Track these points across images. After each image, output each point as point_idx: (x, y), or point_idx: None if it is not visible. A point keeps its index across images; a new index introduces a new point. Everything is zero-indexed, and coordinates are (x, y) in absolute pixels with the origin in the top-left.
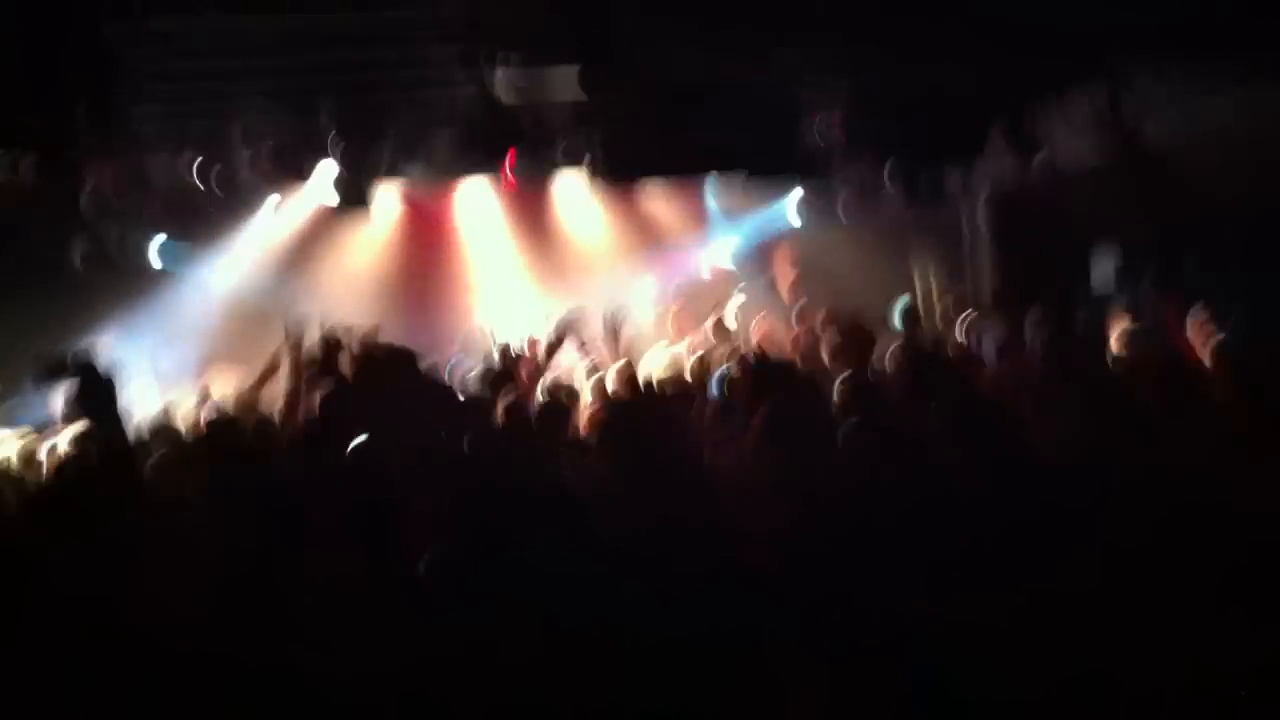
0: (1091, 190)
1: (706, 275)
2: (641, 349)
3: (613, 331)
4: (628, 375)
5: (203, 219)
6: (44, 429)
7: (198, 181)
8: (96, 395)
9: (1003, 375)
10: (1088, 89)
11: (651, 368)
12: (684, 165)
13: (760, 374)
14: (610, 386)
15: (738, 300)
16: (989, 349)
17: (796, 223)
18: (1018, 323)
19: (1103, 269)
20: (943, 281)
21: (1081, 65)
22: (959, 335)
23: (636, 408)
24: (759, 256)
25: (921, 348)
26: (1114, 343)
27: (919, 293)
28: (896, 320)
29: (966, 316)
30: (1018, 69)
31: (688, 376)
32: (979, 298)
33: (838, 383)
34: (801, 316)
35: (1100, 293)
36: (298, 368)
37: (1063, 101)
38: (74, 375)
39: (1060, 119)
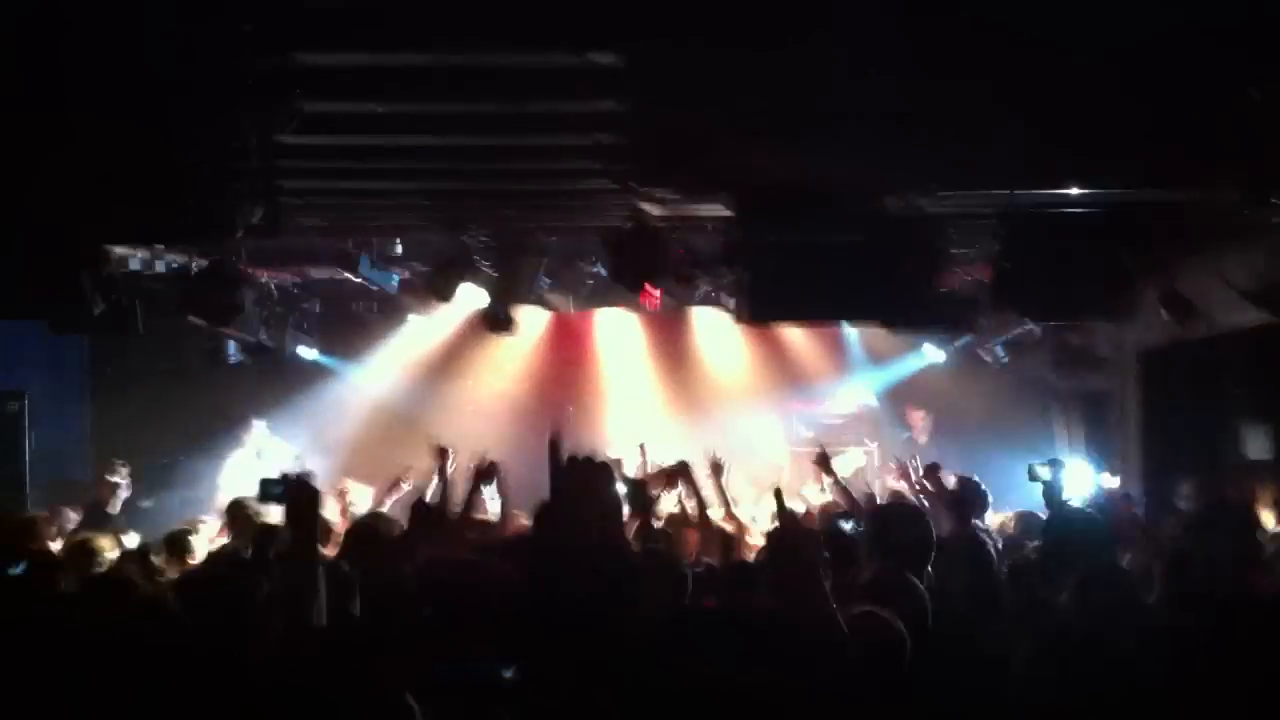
0: (1248, 354)
1: (841, 418)
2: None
3: (715, 471)
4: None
5: (356, 329)
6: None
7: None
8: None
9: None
10: (1245, 249)
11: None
12: (824, 313)
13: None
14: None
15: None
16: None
17: (941, 370)
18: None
19: (1255, 438)
20: (1089, 440)
21: (1239, 224)
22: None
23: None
24: (900, 401)
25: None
26: (1265, 515)
27: (1063, 448)
28: (1042, 475)
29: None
30: (1173, 227)
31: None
32: (1127, 462)
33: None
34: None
35: (1254, 461)
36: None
37: (1219, 261)
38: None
39: (1217, 280)
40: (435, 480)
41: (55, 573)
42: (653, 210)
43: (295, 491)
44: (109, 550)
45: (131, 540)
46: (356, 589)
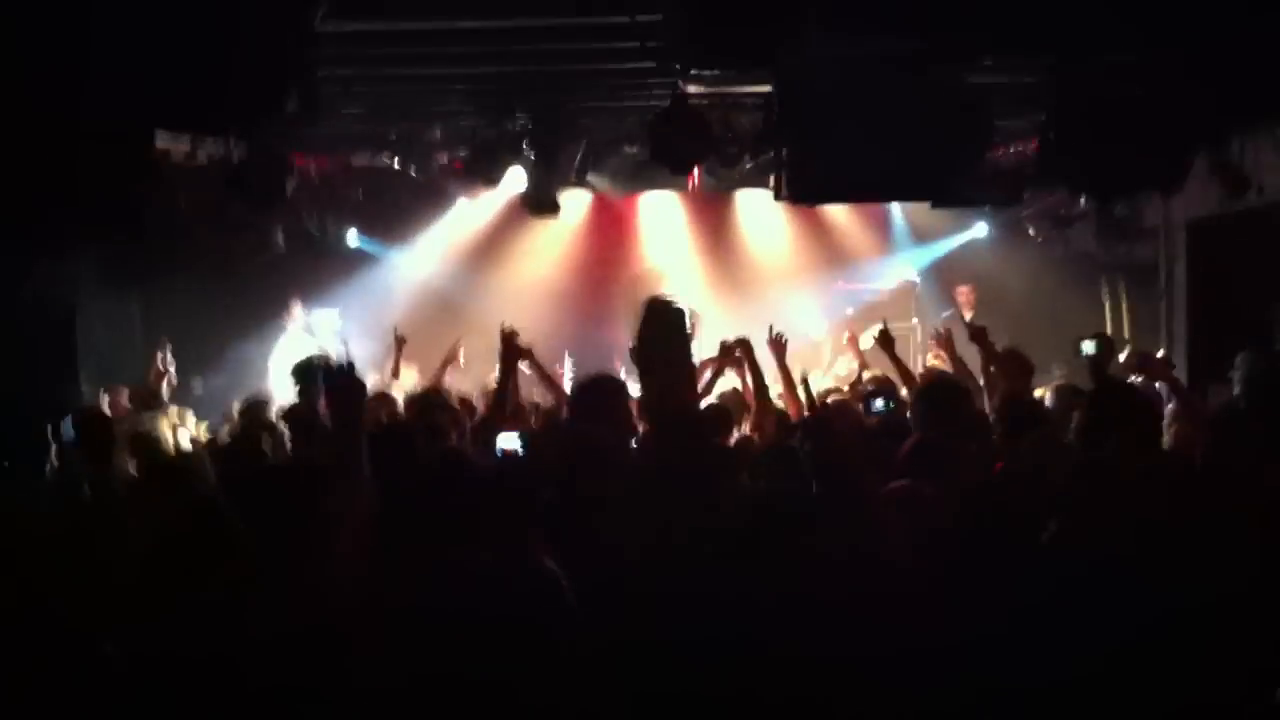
0: None
1: (888, 290)
2: (806, 367)
3: (778, 350)
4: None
5: (398, 213)
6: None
7: (399, 169)
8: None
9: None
10: None
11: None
12: (869, 192)
13: (924, 393)
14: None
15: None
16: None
17: (984, 244)
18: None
19: None
20: (1135, 318)
21: None
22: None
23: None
24: (942, 274)
25: (1108, 384)
26: None
27: (1109, 328)
28: (1088, 350)
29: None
30: (1226, 96)
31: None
32: (1173, 335)
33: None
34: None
35: None
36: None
37: (1272, 131)
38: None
39: (1270, 148)
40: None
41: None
42: (693, 90)
43: (336, 379)
44: (167, 433)
45: (190, 419)
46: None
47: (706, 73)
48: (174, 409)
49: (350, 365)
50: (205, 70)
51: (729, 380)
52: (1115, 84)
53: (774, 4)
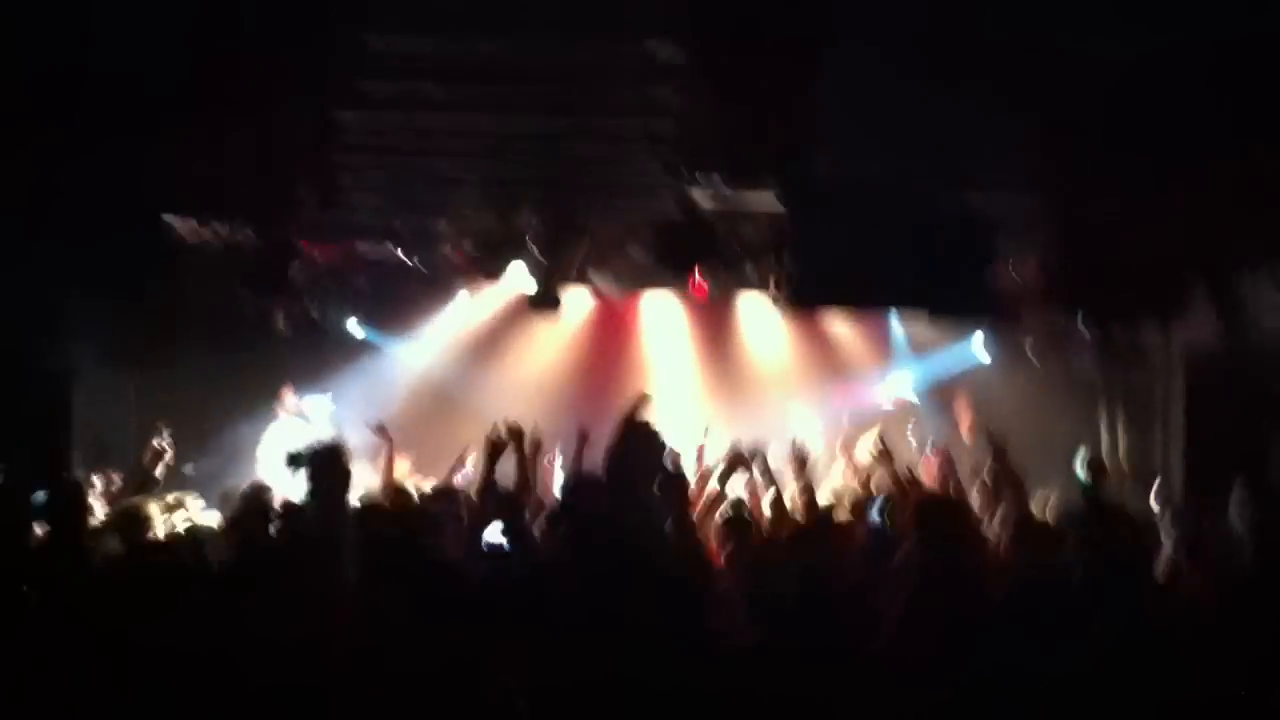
0: None
1: (885, 406)
2: (820, 479)
3: (799, 461)
4: (808, 500)
5: (400, 303)
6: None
7: (404, 260)
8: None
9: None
10: None
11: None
12: (869, 299)
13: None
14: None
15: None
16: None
17: (982, 361)
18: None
19: None
20: (1131, 442)
21: None
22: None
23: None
24: (941, 393)
25: (1103, 505)
26: None
27: (1105, 449)
28: (1079, 471)
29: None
30: (1229, 232)
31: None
32: (1168, 464)
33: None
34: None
35: None
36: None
37: (1274, 266)
38: (313, 463)
39: (1270, 284)
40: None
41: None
42: (703, 202)
43: (320, 461)
44: (159, 515)
45: (194, 503)
46: None
47: (717, 186)
48: (173, 494)
49: (336, 445)
50: (224, 159)
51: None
52: (1119, 215)
53: (784, 123)
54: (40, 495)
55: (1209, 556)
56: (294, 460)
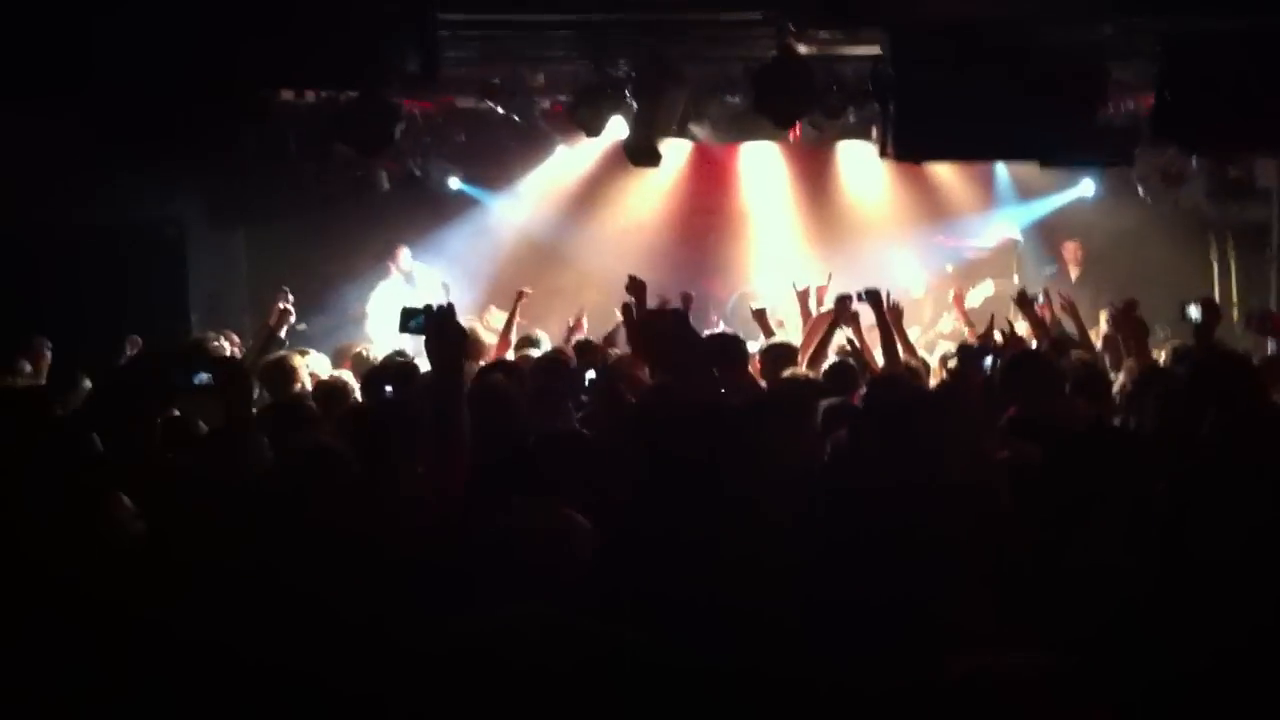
0: None
1: (990, 247)
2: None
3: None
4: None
5: (500, 157)
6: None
7: (502, 114)
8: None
9: None
10: None
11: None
12: (975, 152)
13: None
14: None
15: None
16: None
17: (1091, 203)
18: None
19: None
20: (1245, 280)
21: None
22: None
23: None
24: (1047, 233)
25: (1216, 348)
26: None
27: (1217, 290)
28: (1193, 315)
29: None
30: None
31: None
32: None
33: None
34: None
35: None
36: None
37: None
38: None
39: None
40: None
41: (247, 380)
42: (802, 48)
43: (437, 323)
44: (303, 368)
45: (318, 361)
46: None
47: (819, 34)
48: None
49: (450, 310)
50: (325, 30)
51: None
52: (1230, 45)
53: None
54: (204, 376)
55: None
56: (407, 321)
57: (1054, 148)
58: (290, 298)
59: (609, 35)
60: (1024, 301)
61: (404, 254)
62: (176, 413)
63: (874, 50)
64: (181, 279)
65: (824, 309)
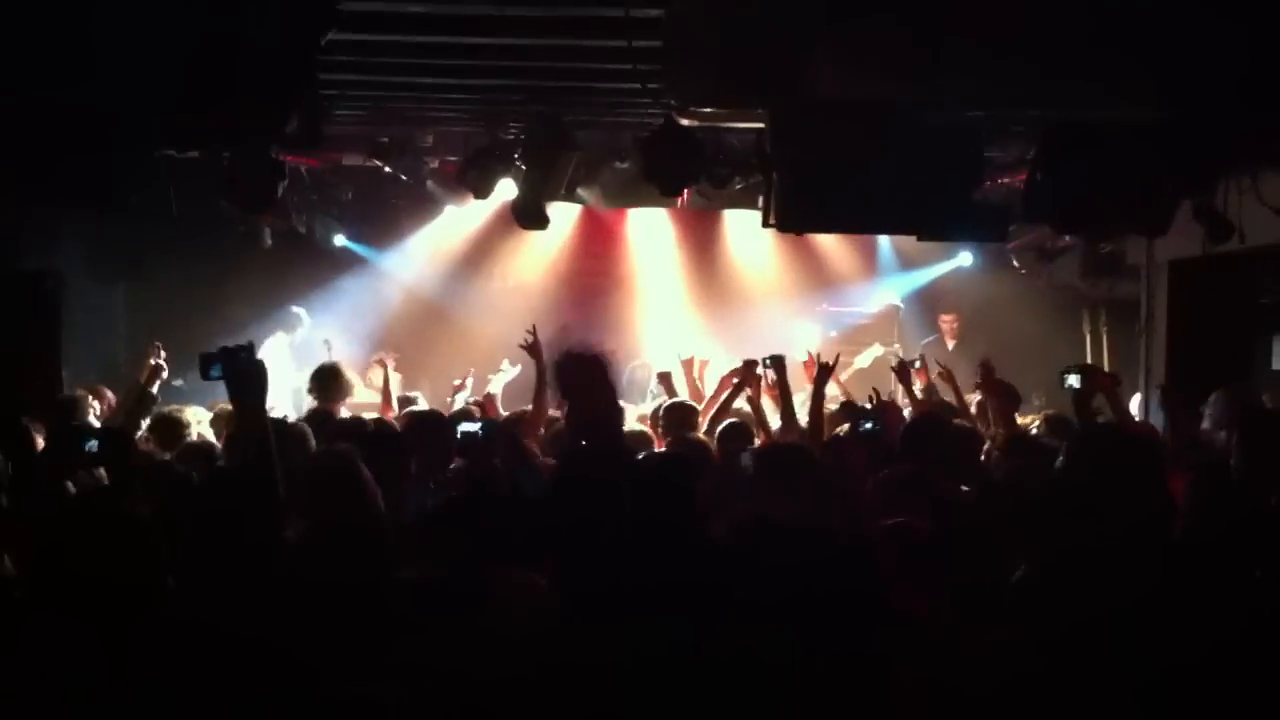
0: (1276, 269)
1: (873, 313)
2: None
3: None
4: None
5: (387, 216)
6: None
7: (390, 173)
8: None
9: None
10: None
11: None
12: (856, 223)
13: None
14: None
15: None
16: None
17: (969, 274)
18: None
19: None
20: (1115, 350)
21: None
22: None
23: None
24: (929, 306)
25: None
26: None
27: (1089, 357)
28: (1071, 383)
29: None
30: (1210, 142)
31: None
32: (1151, 370)
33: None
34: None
35: None
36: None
37: (1255, 179)
38: (223, 364)
39: (1253, 196)
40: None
41: (130, 445)
42: (686, 122)
43: (230, 365)
44: (193, 423)
45: (197, 414)
46: None
47: (700, 108)
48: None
49: (247, 349)
50: (208, 86)
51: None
52: (1100, 132)
53: (773, 51)
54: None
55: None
56: (207, 364)
57: (931, 223)
58: (163, 353)
59: (500, 100)
60: (902, 370)
61: (300, 314)
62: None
63: (758, 125)
64: (55, 332)
65: (706, 381)
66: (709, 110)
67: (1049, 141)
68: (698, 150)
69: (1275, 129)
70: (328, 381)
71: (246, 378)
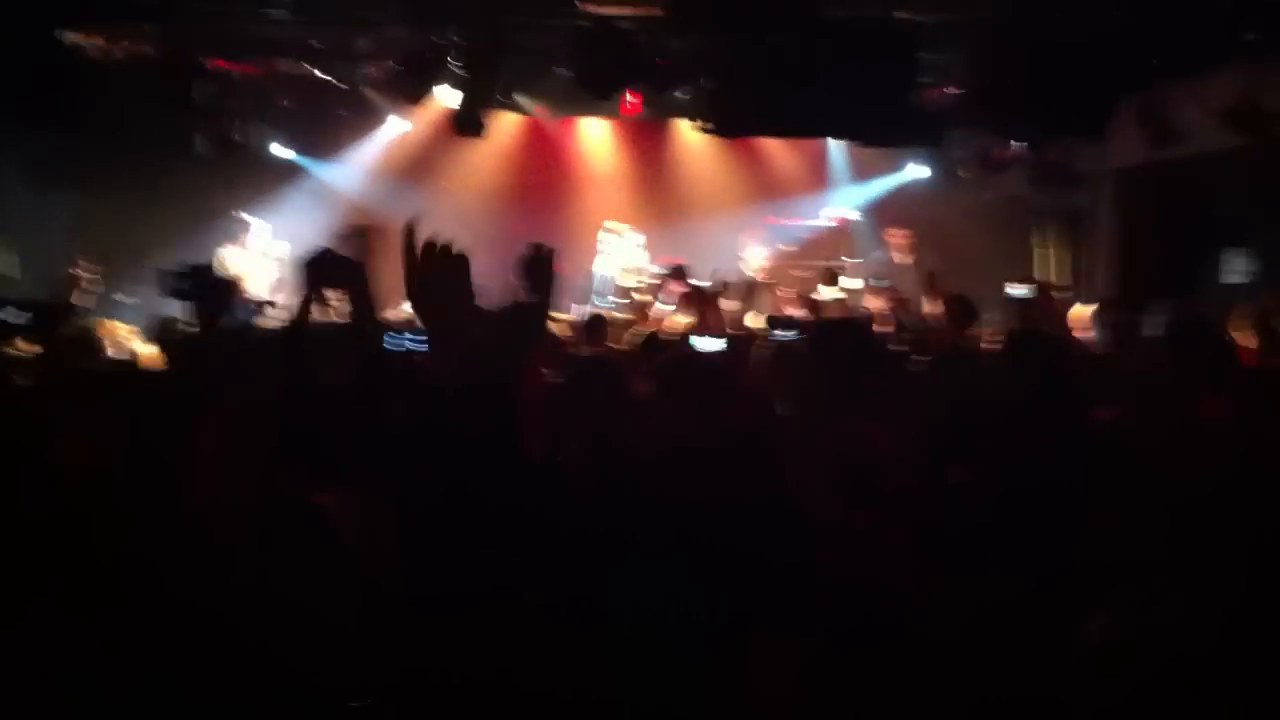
0: (1227, 177)
1: (817, 231)
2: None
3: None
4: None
5: (326, 125)
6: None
7: (326, 80)
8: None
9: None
10: (1228, 71)
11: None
12: (791, 126)
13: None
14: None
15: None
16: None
17: (921, 187)
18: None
19: (1234, 261)
20: (1063, 262)
21: (1221, 45)
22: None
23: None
24: (879, 218)
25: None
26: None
27: (1036, 267)
28: (1016, 294)
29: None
30: (1155, 46)
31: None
32: (1098, 282)
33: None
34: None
35: (1231, 285)
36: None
37: (1200, 83)
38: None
39: (1197, 101)
40: None
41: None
42: (592, 9)
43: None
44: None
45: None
46: None
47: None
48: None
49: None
50: None
51: None
52: (1043, 27)
53: None
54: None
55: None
56: (175, 286)
57: (868, 126)
58: (83, 265)
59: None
60: (829, 277)
61: (256, 224)
62: None
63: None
64: None
65: None
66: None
67: (984, 43)
68: (627, 51)
69: (1222, 26)
70: None
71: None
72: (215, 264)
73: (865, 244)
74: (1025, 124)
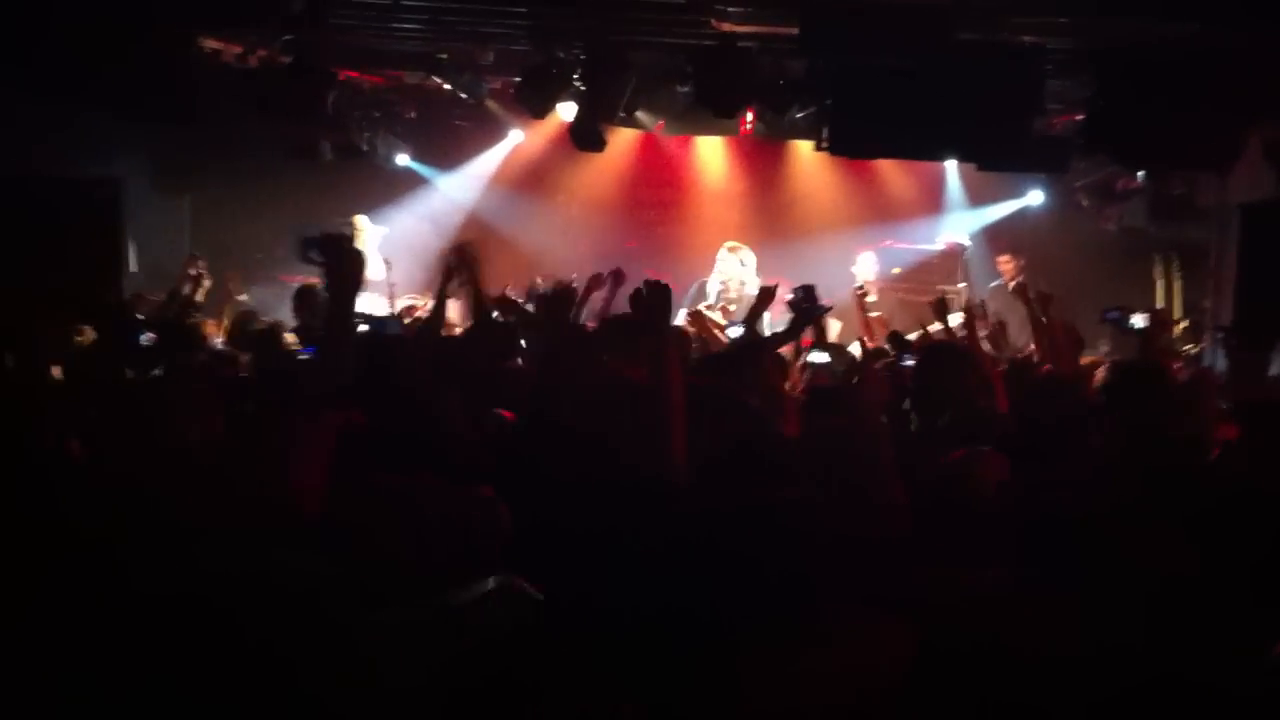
0: None
1: (930, 256)
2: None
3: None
4: None
5: (450, 136)
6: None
7: (451, 93)
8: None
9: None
10: None
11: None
12: (908, 148)
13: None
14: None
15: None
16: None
17: (1037, 214)
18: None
19: None
20: (1183, 296)
21: None
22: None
23: None
24: (993, 244)
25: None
26: None
27: (1158, 302)
28: (1136, 324)
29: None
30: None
31: None
32: (1220, 317)
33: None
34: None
35: None
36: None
37: None
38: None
39: None
40: None
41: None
42: (725, 28)
43: (331, 247)
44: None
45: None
46: None
47: (734, 9)
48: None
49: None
50: None
51: None
52: (1170, 56)
53: None
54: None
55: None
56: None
57: (987, 149)
58: (200, 263)
59: (551, 15)
60: (941, 308)
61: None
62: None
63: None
64: (115, 239)
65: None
66: (740, 10)
67: (1111, 71)
68: (751, 70)
69: None
70: None
71: (347, 263)
72: (349, 232)
73: (980, 269)
74: (1150, 155)
